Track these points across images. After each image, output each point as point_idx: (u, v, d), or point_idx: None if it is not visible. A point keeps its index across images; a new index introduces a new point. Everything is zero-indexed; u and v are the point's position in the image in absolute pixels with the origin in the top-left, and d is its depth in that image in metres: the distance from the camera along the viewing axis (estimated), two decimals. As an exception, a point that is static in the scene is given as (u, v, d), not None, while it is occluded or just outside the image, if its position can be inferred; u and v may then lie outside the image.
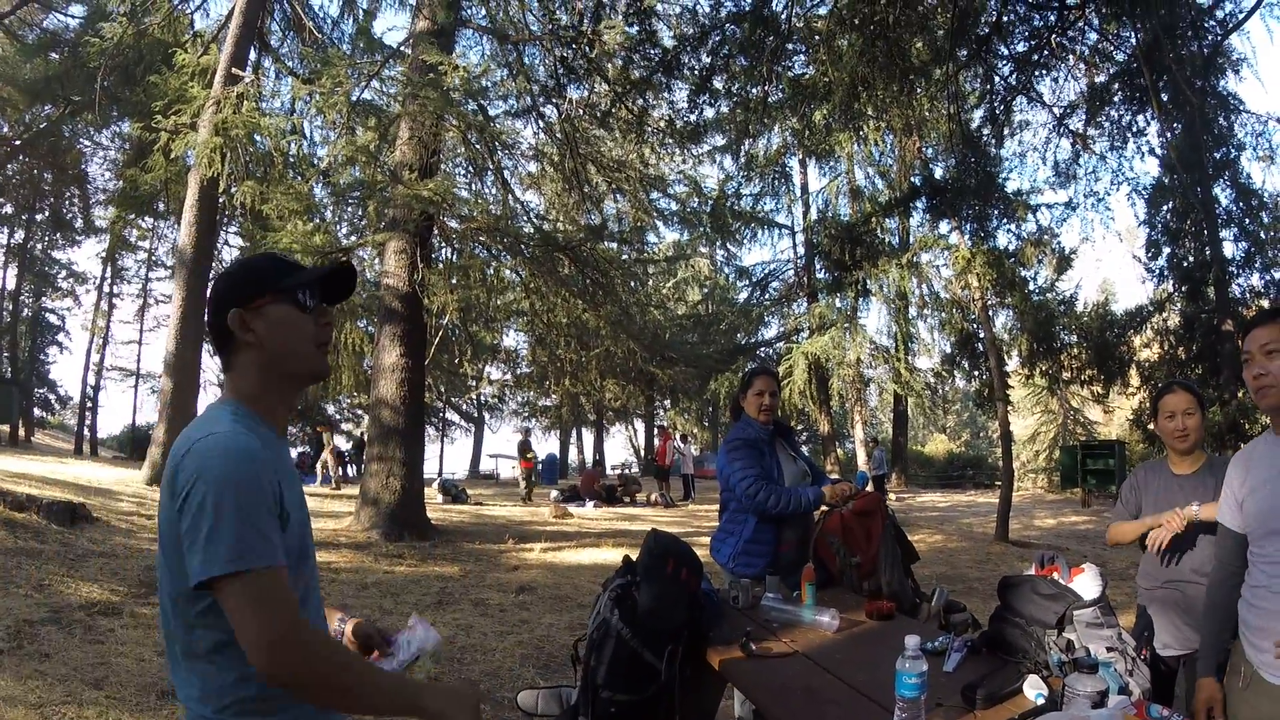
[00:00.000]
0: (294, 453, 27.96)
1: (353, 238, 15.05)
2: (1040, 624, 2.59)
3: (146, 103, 14.67)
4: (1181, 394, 3.34)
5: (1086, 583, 2.71)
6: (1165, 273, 15.27)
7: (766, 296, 29.53)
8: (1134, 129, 12.93)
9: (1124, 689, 2.30)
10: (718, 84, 11.72)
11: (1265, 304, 13.86)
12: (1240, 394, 13.11)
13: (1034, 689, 2.24)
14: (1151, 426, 3.51)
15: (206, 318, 1.67)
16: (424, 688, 1.53)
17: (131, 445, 29.29)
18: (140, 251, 32.18)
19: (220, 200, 15.48)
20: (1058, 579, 2.78)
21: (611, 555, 10.34)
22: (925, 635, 2.87)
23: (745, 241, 30.24)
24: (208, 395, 32.17)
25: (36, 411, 34.13)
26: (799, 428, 33.25)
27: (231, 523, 1.35)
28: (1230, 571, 2.56)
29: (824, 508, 3.97)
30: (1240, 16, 11.03)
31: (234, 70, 14.15)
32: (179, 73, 14.20)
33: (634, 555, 3.10)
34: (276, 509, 1.45)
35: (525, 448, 20.59)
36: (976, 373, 16.34)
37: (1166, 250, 15.24)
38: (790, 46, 10.92)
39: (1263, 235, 13.95)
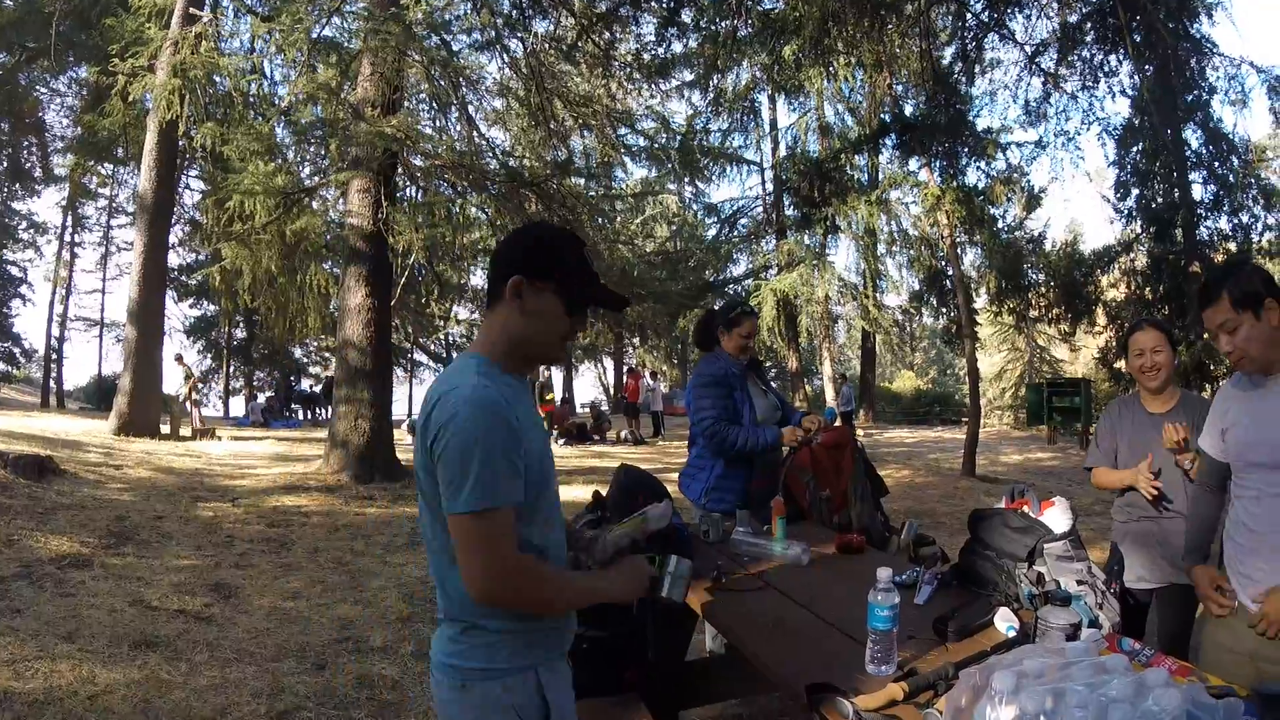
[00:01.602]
0: (261, 398, 27.80)
1: (315, 178, 14.75)
2: (1011, 557, 2.59)
3: (103, 46, 14.27)
4: (1151, 331, 3.34)
5: (1057, 516, 2.71)
6: (1134, 213, 15.28)
7: (735, 233, 29.32)
8: (1105, 69, 12.89)
9: (1094, 622, 2.31)
10: (686, 17, 11.55)
11: (1232, 246, 13.97)
12: (1205, 335, 13.26)
13: (1005, 621, 2.24)
14: (1121, 365, 3.51)
15: (492, 260, 1.84)
16: (602, 577, 1.93)
17: (99, 395, 29.01)
18: (101, 199, 31.42)
19: (180, 144, 15.19)
20: (1028, 512, 2.78)
21: (582, 492, 10.35)
22: (895, 568, 2.89)
23: (714, 178, 29.93)
24: (173, 342, 31.84)
25: (1, 366, 33.78)
26: (767, 364, 33.38)
27: (468, 469, 1.56)
28: (1209, 488, 2.68)
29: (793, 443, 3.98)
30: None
31: (191, 10, 13.80)
32: (135, 14, 13.77)
33: (604, 491, 3.08)
34: (516, 451, 1.63)
35: (545, 389, 19.50)
36: (944, 310, 16.42)
37: (1135, 191, 15.23)
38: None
39: (1231, 179, 13.97)
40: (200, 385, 35.76)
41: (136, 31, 13.29)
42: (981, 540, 2.71)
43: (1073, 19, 12.09)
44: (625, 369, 32.47)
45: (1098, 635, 2.05)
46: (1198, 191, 14.39)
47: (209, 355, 36.23)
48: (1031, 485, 3.29)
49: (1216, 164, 14.12)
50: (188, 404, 18.94)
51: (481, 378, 1.65)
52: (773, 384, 4.66)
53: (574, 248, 1.84)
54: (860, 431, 24.51)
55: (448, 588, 1.70)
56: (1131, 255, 15.80)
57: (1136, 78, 13.37)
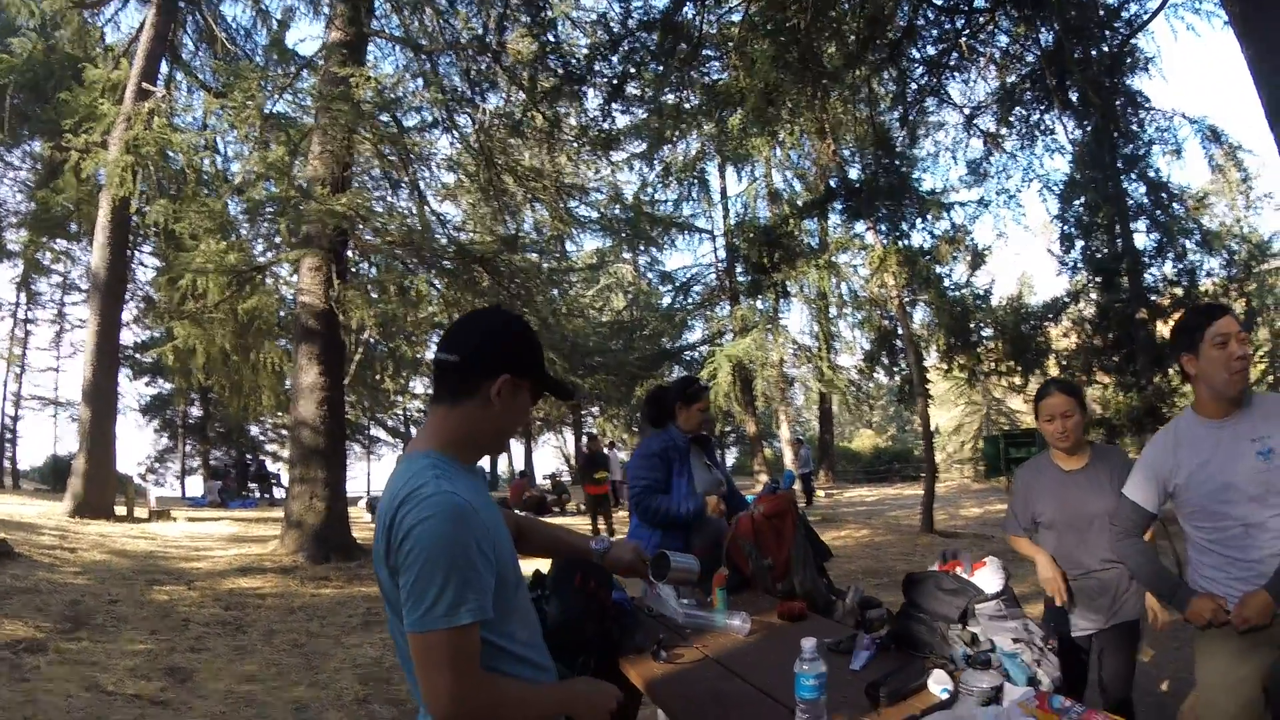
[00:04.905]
0: (216, 480, 27.36)
1: (268, 254, 14.76)
2: (944, 619, 2.62)
3: (57, 121, 14.34)
4: (1059, 395, 3.42)
5: (988, 576, 2.76)
6: (1079, 265, 15.64)
7: (689, 300, 29.60)
8: (1042, 127, 13.25)
9: (1032, 679, 2.35)
10: (632, 90, 11.76)
11: (1179, 291, 14.33)
12: (1156, 379, 13.53)
13: (939, 684, 2.26)
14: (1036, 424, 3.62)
15: (463, 352, 1.76)
16: (569, 698, 1.81)
17: (54, 476, 28.56)
18: (55, 275, 31.05)
19: (133, 220, 15.12)
20: (960, 574, 2.83)
21: (539, 565, 10.31)
22: (837, 633, 2.92)
23: (666, 247, 30.34)
24: (127, 420, 31.45)
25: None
26: (726, 430, 33.48)
27: (434, 583, 1.52)
28: (1137, 537, 2.90)
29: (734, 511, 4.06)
30: (1145, 17, 11.35)
31: (145, 85, 13.86)
32: (89, 89, 13.89)
33: (545, 569, 3.09)
34: (488, 560, 1.60)
35: (595, 463, 15.81)
36: (897, 368, 16.63)
37: (1080, 243, 15.61)
38: (704, 53, 10.99)
39: (1174, 225, 14.37)
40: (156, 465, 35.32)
41: (90, 106, 13.38)
42: (915, 603, 2.75)
43: (1010, 80, 12.45)
44: (585, 437, 32.38)
45: (1030, 693, 2.08)
46: (1141, 240, 14.79)
47: (165, 434, 35.54)
48: (986, 539, 3.37)
49: (1158, 212, 14.52)
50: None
51: (441, 480, 1.60)
52: (721, 462, 4.74)
53: (536, 338, 1.86)
54: (821, 492, 24.63)
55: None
56: (1080, 305, 16.13)
57: (1076, 133, 13.78)
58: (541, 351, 1.84)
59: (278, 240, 14.46)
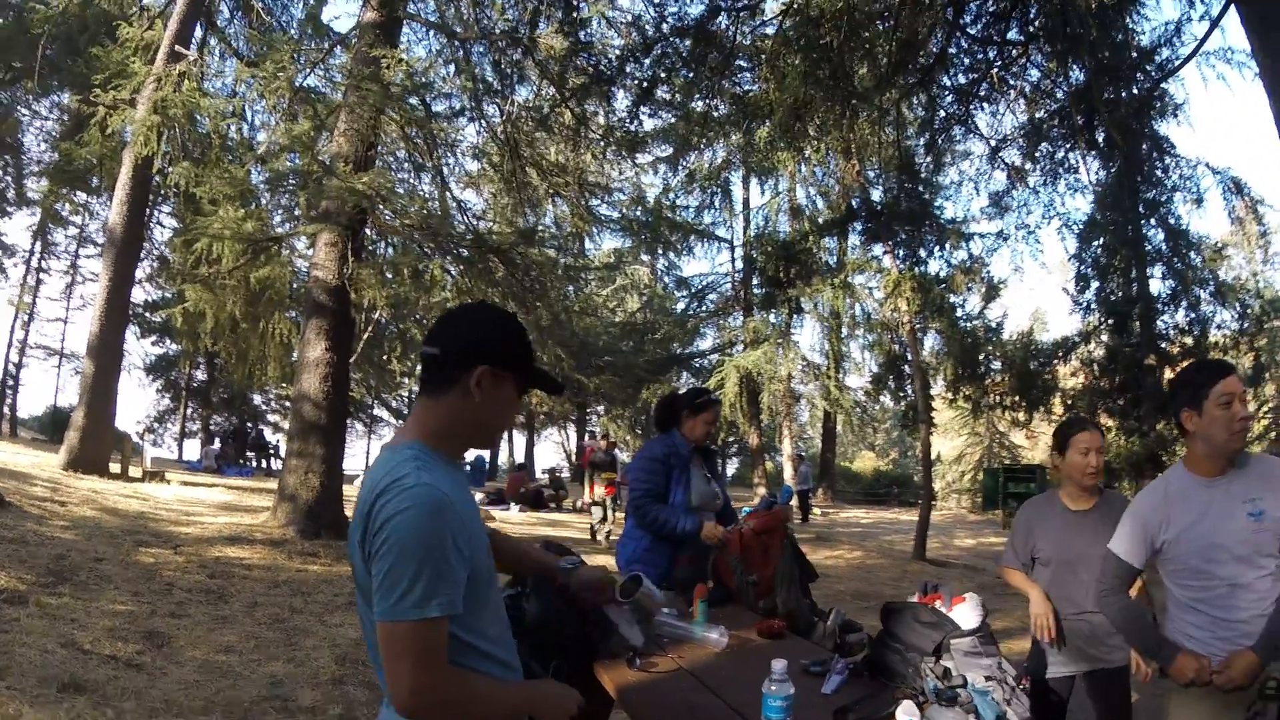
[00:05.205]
0: (214, 445, 27.43)
1: (286, 225, 14.81)
2: (919, 651, 2.64)
3: (88, 75, 14.31)
4: (1094, 431, 3.44)
5: (966, 612, 2.77)
6: (1093, 306, 15.60)
7: (703, 308, 29.63)
8: (1067, 165, 13.23)
9: (1001, 717, 2.36)
10: (662, 94, 11.78)
11: (1189, 340, 14.30)
12: (1160, 426, 13.49)
13: (906, 715, 2.27)
14: (1055, 461, 3.59)
15: (443, 345, 1.78)
16: (532, 697, 1.81)
17: (53, 426, 28.50)
18: (72, 227, 31.12)
19: (154, 180, 15.16)
20: (939, 607, 2.84)
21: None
22: (814, 655, 2.93)
23: (684, 252, 30.43)
24: (130, 378, 31.45)
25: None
26: (730, 440, 33.47)
27: (407, 573, 1.51)
28: (1123, 593, 2.87)
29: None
30: (1177, 63, 11.32)
31: (178, 48, 13.88)
32: (122, 46, 13.89)
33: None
34: (463, 553, 1.60)
35: (604, 466, 15.09)
36: (903, 394, 16.63)
37: (1095, 284, 15.56)
38: (736, 63, 10.99)
39: (1190, 274, 14.33)
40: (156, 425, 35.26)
41: (121, 64, 13.38)
42: (892, 633, 2.76)
43: (1039, 116, 12.42)
44: (588, 435, 32.40)
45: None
46: (1156, 285, 14.75)
47: (167, 395, 35.51)
48: (954, 578, 3.37)
49: (1175, 260, 14.47)
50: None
51: (422, 472, 1.60)
52: (721, 475, 4.77)
53: (525, 333, 1.87)
54: (818, 510, 24.63)
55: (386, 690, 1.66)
56: (1090, 346, 16.10)
57: (1100, 174, 13.76)
58: (527, 344, 1.86)
59: (296, 213, 14.49)
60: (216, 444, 27.69)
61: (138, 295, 23.90)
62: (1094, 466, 3.37)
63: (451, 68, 13.92)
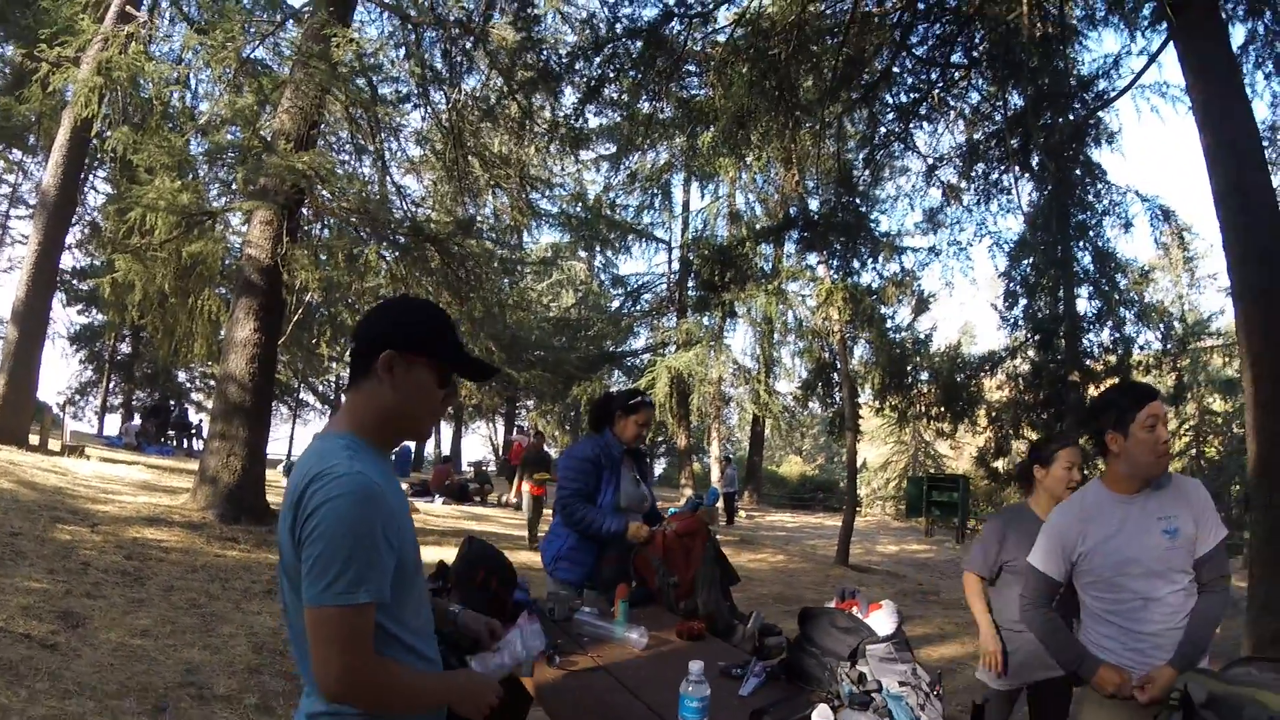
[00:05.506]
0: (135, 421, 26.77)
1: (222, 200, 14.50)
2: (835, 655, 2.70)
3: (34, 29, 13.81)
4: (1078, 449, 3.65)
5: (882, 619, 2.85)
6: (1020, 322, 15.90)
7: (638, 307, 29.70)
8: (1000, 186, 13.53)
9: (914, 723, 2.42)
10: (609, 93, 11.79)
11: (1113, 359, 14.70)
12: (1081, 440, 13.79)
13: (822, 718, 2.34)
14: (1036, 473, 3.73)
15: (358, 335, 1.81)
16: (452, 688, 1.82)
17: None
18: (4, 185, 30.08)
19: (92, 143, 14.77)
20: (856, 613, 2.91)
21: (444, 555, 10.29)
22: (733, 657, 2.98)
23: (621, 251, 30.45)
24: (54, 347, 30.45)
25: None
26: (658, 440, 33.60)
27: (337, 559, 1.53)
28: (1044, 607, 2.93)
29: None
30: (1113, 94, 11.64)
31: (129, 8, 13.56)
32: (73, 1, 13.48)
33: (450, 560, 3.11)
34: (391, 542, 1.62)
35: (538, 466, 14.52)
36: (831, 401, 16.84)
37: (1023, 302, 15.86)
38: (685, 68, 11.05)
39: (1115, 296, 14.71)
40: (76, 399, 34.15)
41: (70, 20, 12.97)
42: (809, 637, 2.81)
43: (977, 137, 12.70)
44: (517, 430, 32.28)
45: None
46: (1082, 305, 15.10)
47: (90, 367, 34.30)
48: (875, 584, 3.45)
49: (1102, 281, 14.84)
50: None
51: (354, 461, 1.62)
52: (650, 476, 4.80)
53: (442, 319, 1.85)
54: (744, 513, 24.83)
55: (309, 666, 1.65)
56: (1016, 361, 16.44)
57: (1032, 196, 14.07)
58: (443, 330, 1.83)
59: (234, 188, 14.18)
60: (137, 420, 27.04)
61: (66, 261, 23.17)
62: (1076, 481, 3.54)
63: (402, 51, 13.78)
